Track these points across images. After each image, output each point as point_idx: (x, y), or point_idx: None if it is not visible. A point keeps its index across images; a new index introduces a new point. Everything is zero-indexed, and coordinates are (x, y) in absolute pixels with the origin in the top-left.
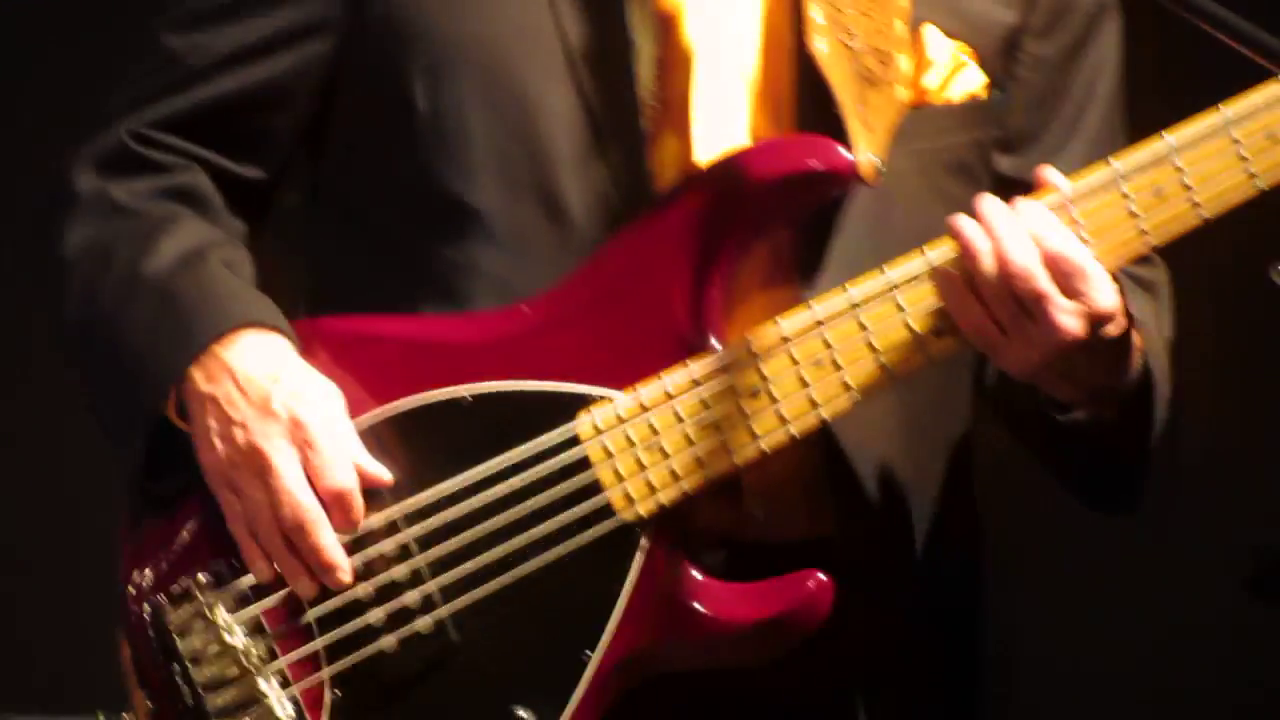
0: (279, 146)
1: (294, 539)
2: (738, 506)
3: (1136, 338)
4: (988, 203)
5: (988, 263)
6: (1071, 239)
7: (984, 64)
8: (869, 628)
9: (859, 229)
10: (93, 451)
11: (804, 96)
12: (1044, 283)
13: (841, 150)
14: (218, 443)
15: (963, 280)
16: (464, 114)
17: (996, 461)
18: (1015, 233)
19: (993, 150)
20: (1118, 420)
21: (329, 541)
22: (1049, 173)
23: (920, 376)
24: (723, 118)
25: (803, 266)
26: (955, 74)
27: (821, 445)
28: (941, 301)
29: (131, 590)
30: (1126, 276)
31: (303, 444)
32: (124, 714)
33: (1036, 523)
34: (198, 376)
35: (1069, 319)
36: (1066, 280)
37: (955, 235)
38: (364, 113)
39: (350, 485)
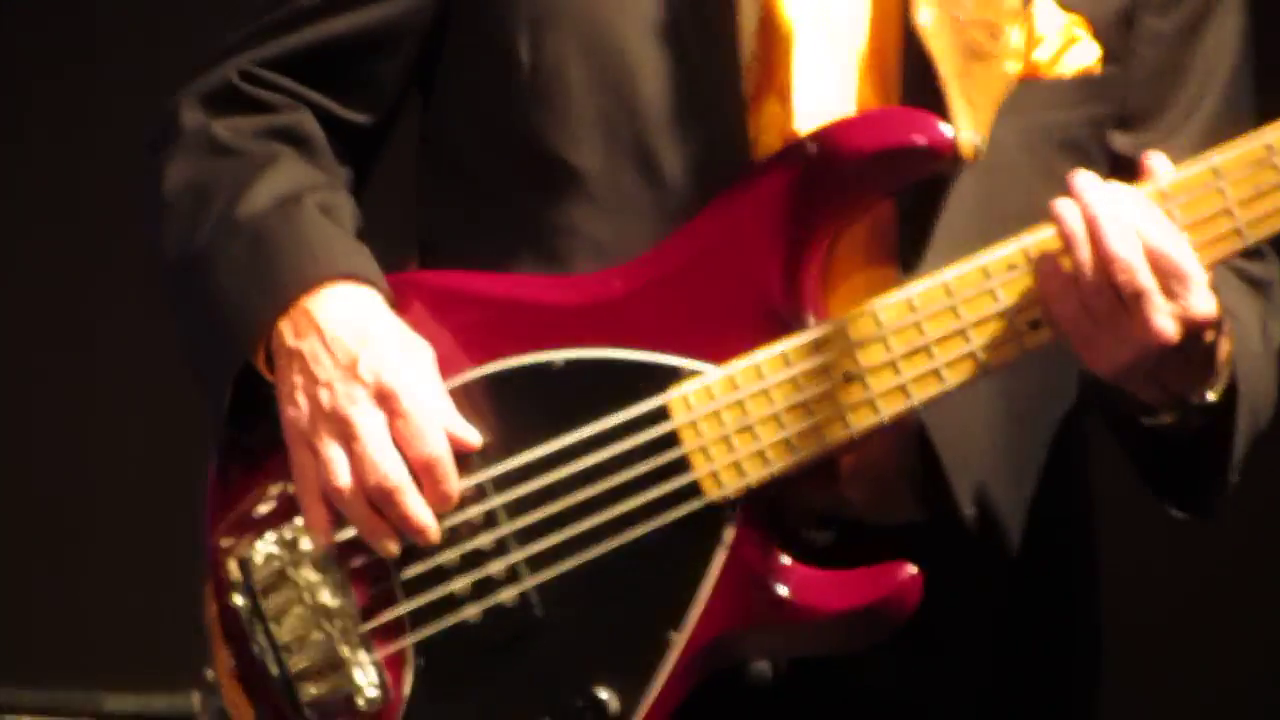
0: (386, 92)
1: (381, 505)
2: (831, 489)
3: (1225, 346)
4: (1087, 185)
5: (1086, 251)
6: (1176, 235)
7: (1099, 37)
8: (964, 620)
9: (964, 207)
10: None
11: (909, 69)
12: (1145, 278)
13: (940, 125)
14: (301, 400)
15: (1061, 267)
16: (565, 69)
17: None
18: (1119, 222)
19: (1109, 128)
20: (1201, 428)
21: (417, 508)
22: (1153, 158)
23: (1025, 361)
24: (826, 87)
25: (906, 245)
26: (1068, 48)
27: (918, 430)
28: (1037, 289)
29: (218, 545)
30: (1234, 273)
31: (391, 411)
32: (207, 670)
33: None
34: (285, 330)
35: (1165, 320)
36: (1166, 279)
37: (1056, 220)
38: (470, 63)
39: (441, 453)
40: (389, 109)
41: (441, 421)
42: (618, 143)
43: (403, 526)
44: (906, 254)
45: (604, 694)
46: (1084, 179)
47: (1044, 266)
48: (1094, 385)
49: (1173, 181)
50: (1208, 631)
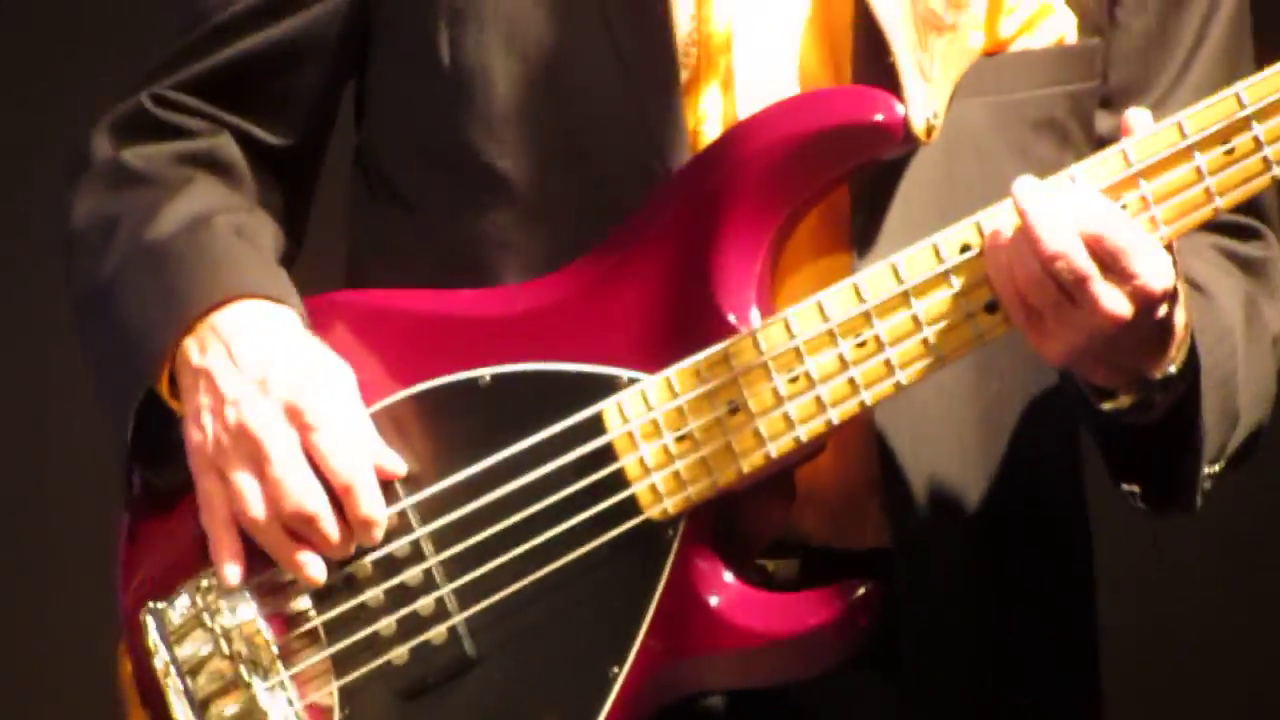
0: (307, 110)
1: (299, 530)
2: (784, 507)
3: (1181, 316)
4: (1020, 184)
5: (1019, 250)
6: (1113, 213)
7: (1074, 6)
8: (946, 650)
9: (923, 192)
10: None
11: (861, 44)
12: (1083, 261)
13: (891, 103)
14: (207, 422)
15: (1000, 258)
16: (487, 65)
17: None
18: (1050, 213)
19: (1091, 105)
20: (1168, 410)
21: (339, 534)
22: (1133, 116)
23: (998, 364)
24: (772, 68)
25: (859, 232)
26: (1041, 18)
27: (875, 442)
28: (987, 274)
29: (128, 595)
30: (1224, 255)
31: (303, 428)
32: None
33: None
34: (191, 348)
35: (1115, 299)
36: (1112, 259)
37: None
38: (392, 69)
39: (360, 472)
40: (313, 129)
41: (361, 440)
42: (545, 143)
43: (326, 553)
44: (861, 242)
45: None
46: (1020, 181)
47: (990, 253)
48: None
49: (1139, 143)
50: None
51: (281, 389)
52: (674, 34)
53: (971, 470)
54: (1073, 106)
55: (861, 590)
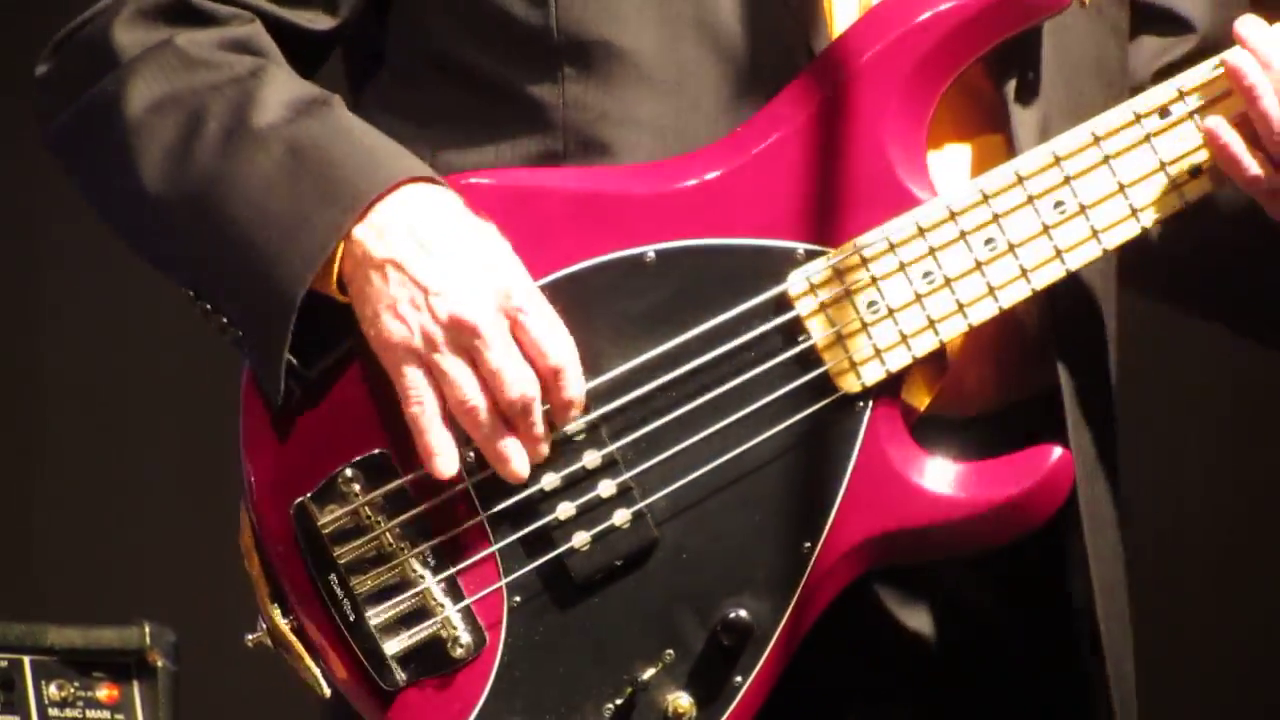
0: None
1: (513, 419)
2: (937, 381)
3: None
4: (1254, 29)
5: (1269, 101)
6: None
7: None
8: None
9: (1059, 54)
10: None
11: None
12: None
13: None
14: (408, 313)
15: (1231, 119)
16: None
17: None
18: None
19: None
20: None
21: (543, 421)
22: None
23: None
24: None
25: (1017, 97)
26: None
27: (1045, 299)
28: (1205, 143)
29: (266, 492)
30: None
31: (514, 311)
32: (247, 636)
33: None
34: (366, 239)
35: None
36: None
37: (1231, 73)
38: None
39: (571, 355)
40: (352, 9)
41: (559, 321)
42: (674, 15)
43: (531, 442)
44: (1021, 100)
45: (742, 614)
46: (1247, 23)
47: (1218, 133)
48: (1229, 266)
49: None
50: None
51: (484, 274)
52: None
53: (1104, 316)
54: None
55: (1058, 452)
